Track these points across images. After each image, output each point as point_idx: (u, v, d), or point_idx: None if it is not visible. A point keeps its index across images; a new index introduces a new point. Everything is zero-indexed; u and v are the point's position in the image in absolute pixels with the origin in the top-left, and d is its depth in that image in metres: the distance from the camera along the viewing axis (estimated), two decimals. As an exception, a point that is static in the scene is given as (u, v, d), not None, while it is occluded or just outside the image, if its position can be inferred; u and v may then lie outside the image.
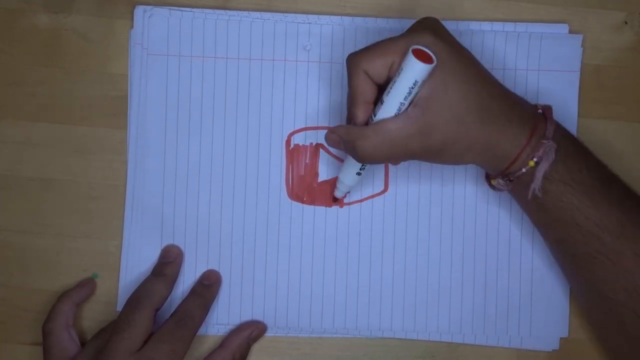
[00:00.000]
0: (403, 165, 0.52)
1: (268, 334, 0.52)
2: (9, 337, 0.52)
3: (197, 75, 0.52)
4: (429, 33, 0.43)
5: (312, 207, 0.53)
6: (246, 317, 0.52)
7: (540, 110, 0.46)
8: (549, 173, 0.45)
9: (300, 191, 0.53)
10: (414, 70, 0.41)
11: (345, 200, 0.53)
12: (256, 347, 0.53)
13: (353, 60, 0.44)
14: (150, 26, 0.52)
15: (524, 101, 0.47)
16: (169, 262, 0.51)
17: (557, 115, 0.52)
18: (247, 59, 0.52)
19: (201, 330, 0.50)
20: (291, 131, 0.53)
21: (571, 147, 0.46)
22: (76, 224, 0.53)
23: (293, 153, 0.53)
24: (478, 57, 0.52)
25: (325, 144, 0.52)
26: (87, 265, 0.53)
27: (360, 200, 0.53)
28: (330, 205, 0.53)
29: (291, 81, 0.53)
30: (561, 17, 0.53)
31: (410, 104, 0.43)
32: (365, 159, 0.45)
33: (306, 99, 0.53)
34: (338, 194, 0.51)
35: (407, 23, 0.52)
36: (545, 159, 0.44)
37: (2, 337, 0.52)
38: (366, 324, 0.53)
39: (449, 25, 0.52)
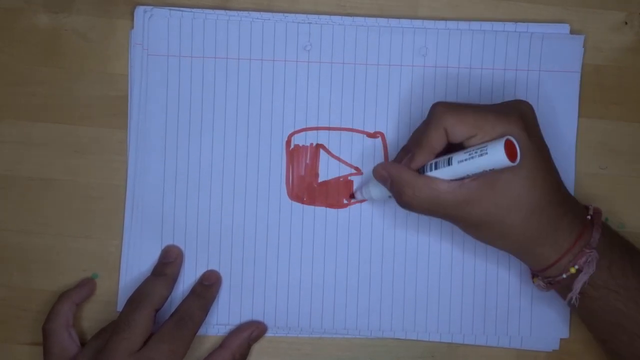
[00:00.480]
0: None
1: (268, 334, 0.52)
2: (9, 337, 0.52)
3: (197, 75, 0.52)
4: (520, 124, 0.43)
5: (312, 207, 0.53)
6: (246, 317, 0.52)
7: (589, 216, 0.46)
8: (593, 280, 0.44)
9: (300, 191, 0.53)
10: (496, 161, 0.41)
11: (345, 202, 0.53)
12: (256, 348, 0.53)
13: (439, 113, 0.43)
14: (151, 26, 0.52)
15: (577, 207, 0.46)
16: (169, 262, 0.51)
17: (557, 115, 0.52)
18: (247, 59, 0.52)
19: (201, 331, 0.50)
20: (291, 131, 0.53)
21: (616, 252, 0.45)
22: (76, 224, 0.53)
23: (293, 153, 0.53)
24: (479, 57, 0.52)
25: (326, 146, 0.53)
26: (87, 265, 0.53)
27: (361, 201, 0.53)
28: (335, 206, 0.53)
29: (291, 81, 0.53)
30: (561, 17, 0.53)
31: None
32: (405, 206, 0.45)
33: (306, 99, 0.53)
34: (358, 196, 0.51)
35: (407, 23, 0.52)
36: (585, 270, 0.44)
37: (2, 337, 0.52)
38: (366, 324, 0.53)
39: (449, 25, 0.52)
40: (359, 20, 0.53)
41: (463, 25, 0.53)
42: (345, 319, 0.52)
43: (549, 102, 0.52)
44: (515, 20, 0.53)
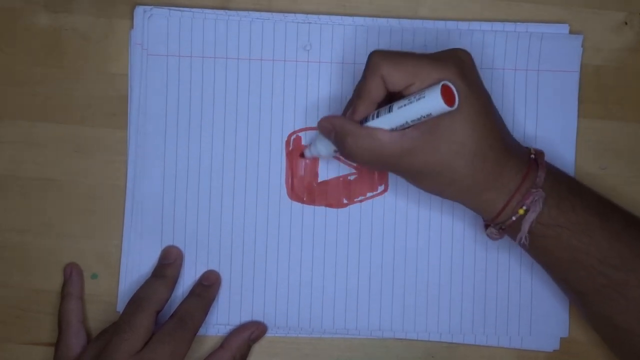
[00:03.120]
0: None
1: (268, 334, 0.52)
2: (9, 337, 0.52)
3: (197, 75, 0.52)
4: (456, 71, 0.43)
5: (312, 207, 0.53)
6: (246, 317, 0.52)
7: (532, 156, 0.46)
8: (543, 219, 0.44)
9: (300, 191, 0.53)
10: (434, 106, 0.41)
11: (345, 201, 0.53)
12: (256, 348, 0.53)
13: (376, 60, 0.44)
14: (150, 26, 0.52)
15: (521, 150, 0.46)
16: (169, 263, 0.51)
17: (557, 115, 0.52)
18: (247, 59, 0.52)
19: (201, 331, 0.50)
20: (291, 131, 0.53)
21: (564, 190, 0.45)
22: (76, 224, 0.53)
23: (293, 153, 0.53)
24: (478, 57, 0.52)
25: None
26: (87, 265, 0.53)
27: (361, 201, 0.53)
28: (335, 206, 0.53)
29: (291, 81, 0.53)
30: (561, 17, 0.53)
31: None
32: (348, 157, 0.45)
33: (306, 99, 0.53)
34: (307, 153, 0.51)
35: (408, 23, 0.52)
36: (532, 209, 0.44)
37: (2, 337, 0.52)
38: (366, 324, 0.53)
39: (449, 25, 0.52)
40: (359, 20, 0.53)
41: (463, 25, 0.53)
42: (345, 319, 0.52)
43: (548, 101, 0.52)
44: (515, 20, 0.53)
